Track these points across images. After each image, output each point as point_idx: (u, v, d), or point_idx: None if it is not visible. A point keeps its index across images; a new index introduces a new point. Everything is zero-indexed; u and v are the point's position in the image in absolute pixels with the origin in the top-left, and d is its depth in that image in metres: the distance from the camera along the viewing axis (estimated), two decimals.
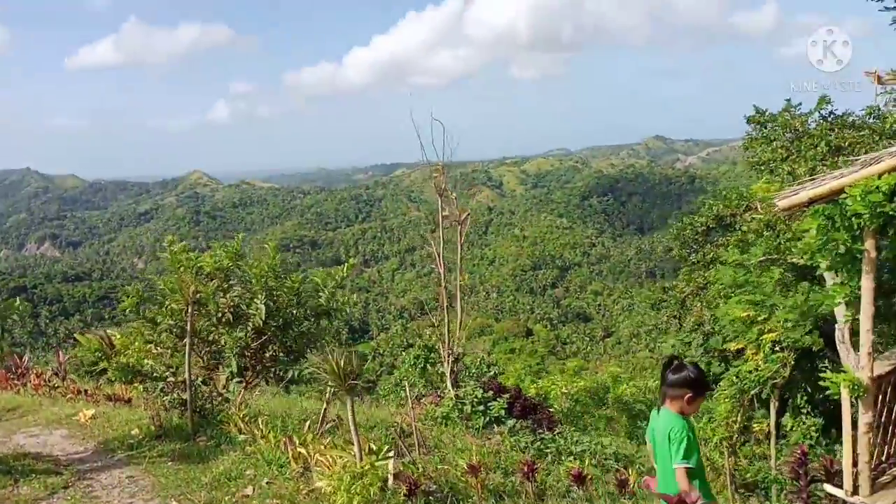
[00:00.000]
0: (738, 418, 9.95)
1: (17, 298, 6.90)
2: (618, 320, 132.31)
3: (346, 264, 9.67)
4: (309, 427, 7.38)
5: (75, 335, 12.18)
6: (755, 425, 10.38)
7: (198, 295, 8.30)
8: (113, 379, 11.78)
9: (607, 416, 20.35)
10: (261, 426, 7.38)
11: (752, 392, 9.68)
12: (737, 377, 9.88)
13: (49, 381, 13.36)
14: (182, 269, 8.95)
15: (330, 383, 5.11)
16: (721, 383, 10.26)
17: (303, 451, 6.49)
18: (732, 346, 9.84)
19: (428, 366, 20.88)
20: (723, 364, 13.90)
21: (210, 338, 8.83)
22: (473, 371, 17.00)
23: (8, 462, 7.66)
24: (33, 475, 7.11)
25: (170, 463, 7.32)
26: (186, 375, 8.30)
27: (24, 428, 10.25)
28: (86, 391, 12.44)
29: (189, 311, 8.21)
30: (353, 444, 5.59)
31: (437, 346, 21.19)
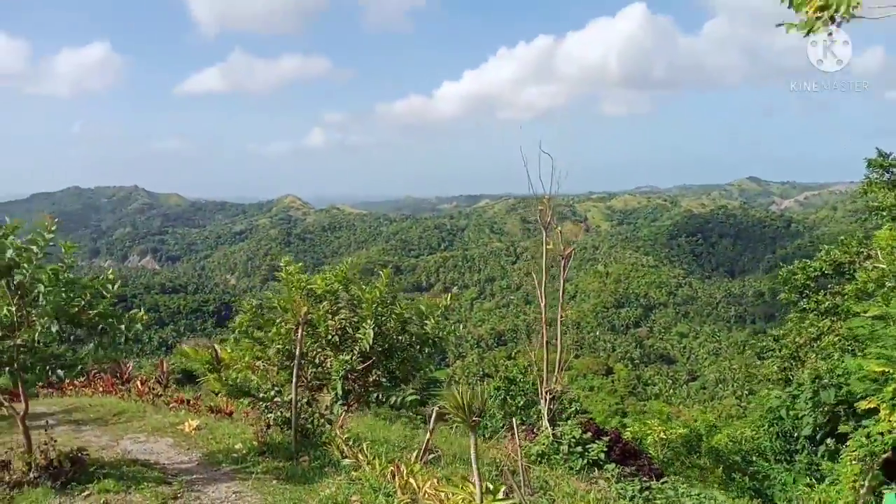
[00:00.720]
0: (867, 483, 9.09)
1: (141, 309, 7.13)
2: (703, 364, 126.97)
3: (449, 294, 9.57)
4: (416, 456, 7.22)
5: (183, 346, 12.59)
6: (885, 490, 9.46)
7: (309, 316, 8.35)
8: (215, 391, 12.09)
9: (700, 466, 19.30)
10: (365, 451, 7.29)
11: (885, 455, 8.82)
12: (867, 437, 9.07)
13: (153, 389, 13.84)
14: (294, 289, 9.07)
15: (454, 418, 4.93)
16: (848, 443, 9.44)
17: (411, 481, 6.32)
18: (863, 405, 9.04)
19: (508, 398, 20.49)
20: (832, 420, 12.91)
21: (316, 359, 8.86)
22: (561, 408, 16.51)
23: (119, 467, 7.87)
24: (144, 483, 7.24)
25: (275, 482, 7.32)
26: (293, 395, 8.33)
27: (130, 433, 10.58)
28: (188, 401, 12.78)
29: (300, 331, 8.27)
30: (467, 480, 5.37)
31: (517, 379, 20.76)
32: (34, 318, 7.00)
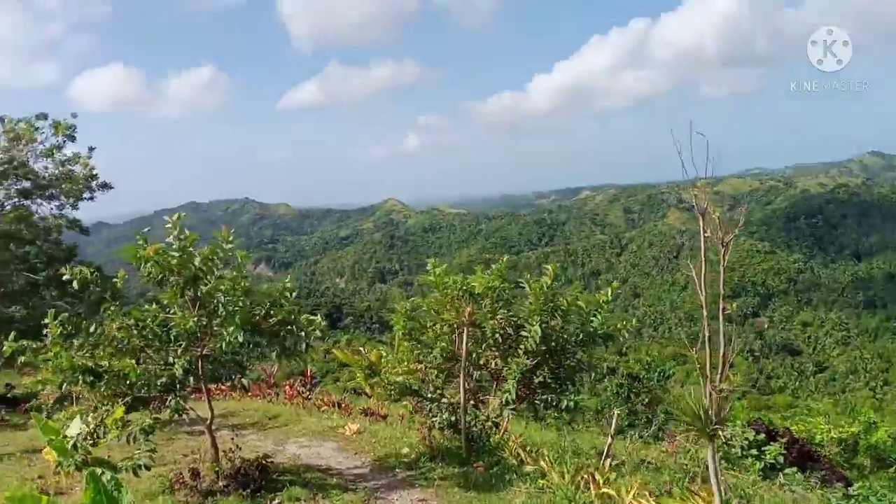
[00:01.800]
0: None
1: (318, 315, 7.08)
2: (831, 354, 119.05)
3: (609, 288, 9.06)
4: (603, 463, 6.79)
5: (333, 350, 12.70)
6: None
7: (472, 317, 8.10)
8: (370, 394, 12.12)
9: (858, 465, 17.79)
10: (548, 458, 6.93)
11: None
12: None
13: (302, 393, 14.10)
14: (447, 291, 8.84)
15: (688, 427, 4.48)
16: None
17: (610, 491, 5.91)
18: None
19: (632, 395, 19.62)
20: None
21: (480, 361, 8.60)
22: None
23: (298, 473, 7.91)
24: (328, 490, 7.21)
25: (456, 489, 7.09)
26: (461, 398, 8.11)
27: (292, 438, 10.73)
28: (338, 404, 12.93)
29: (464, 332, 8.03)
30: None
31: (640, 375, 19.84)
32: (217, 328, 7.11)
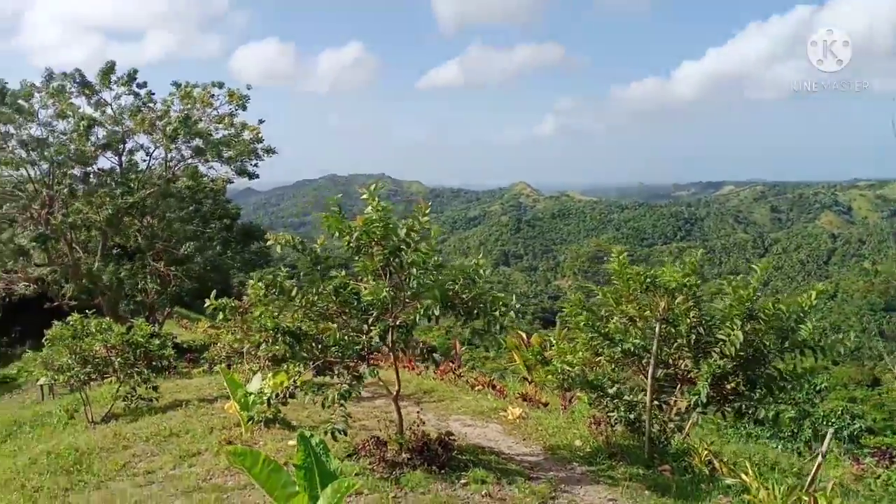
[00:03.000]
0: None
1: (513, 297, 6.89)
2: None
3: (812, 291, 8.20)
4: (815, 485, 6.15)
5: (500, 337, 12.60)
6: None
7: (666, 312, 7.62)
8: (531, 380, 11.92)
9: None
10: (752, 472, 6.38)
11: None
12: None
13: (454, 369, 14.15)
14: (630, 282, 8.38)
15: None
16: None
17: None
18: None
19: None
20: None
21: (669, 359, 8.11)
22: None
23: (476, 454, 7.82)
24: (511, 476, 7.05)
25: (647, 492, 6.71)
26: (647, 396, 7.69)
27: (453, 415, 10.72)
28: (493, 385, 12.84)
29: (657, 328, 7.57)
30: None
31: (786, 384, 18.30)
32: (408, 300, 7.12)
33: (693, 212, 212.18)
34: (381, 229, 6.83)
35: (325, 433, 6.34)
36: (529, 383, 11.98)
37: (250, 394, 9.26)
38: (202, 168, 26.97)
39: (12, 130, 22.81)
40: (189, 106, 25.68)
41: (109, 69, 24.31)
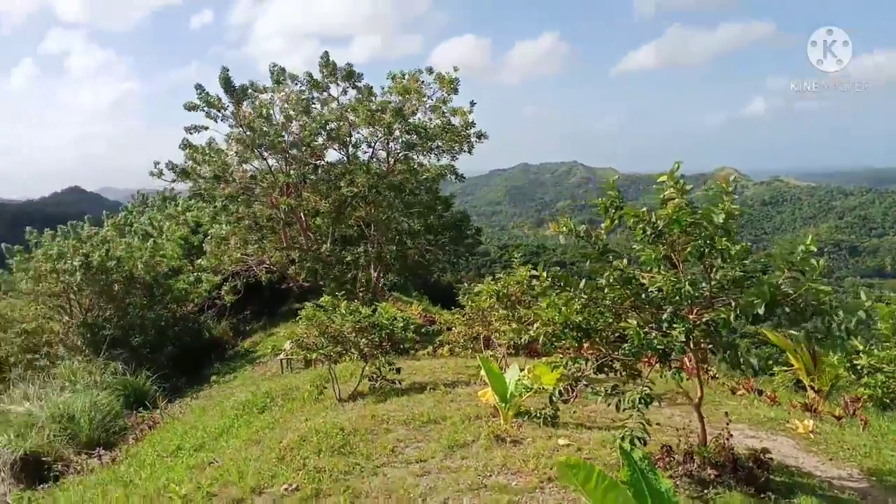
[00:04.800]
0: None
1: (869, 297, 5.64)
2: None
3: None
4: None
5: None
6: None
7: None
8: (816, 388, 10.41)
9: None
10: None
11: None
12: None
13: (708, 371, 12.85)
14: None
15: None
16: None
17: None
18: None
19: None
20: None
21: None
22: None
23: (790, 476, 6.71)
24: None
25: None
26: None
27: (730, 424, 9.55)
28: (759, 390, 11.43)
29: None
30: None
31: None
32: (714, 295, 6.20)
33: None
34: (690, 215, 5.98)
35: (622, 440, 5.65)
36: (816, 392, 10.41)
37: (518, 385, 8.87)
38: (418, 158, 27.59)
39: (253, 127, 24.90)
40: (402, 98, 26.34)
41: (333, 67, 25.72)
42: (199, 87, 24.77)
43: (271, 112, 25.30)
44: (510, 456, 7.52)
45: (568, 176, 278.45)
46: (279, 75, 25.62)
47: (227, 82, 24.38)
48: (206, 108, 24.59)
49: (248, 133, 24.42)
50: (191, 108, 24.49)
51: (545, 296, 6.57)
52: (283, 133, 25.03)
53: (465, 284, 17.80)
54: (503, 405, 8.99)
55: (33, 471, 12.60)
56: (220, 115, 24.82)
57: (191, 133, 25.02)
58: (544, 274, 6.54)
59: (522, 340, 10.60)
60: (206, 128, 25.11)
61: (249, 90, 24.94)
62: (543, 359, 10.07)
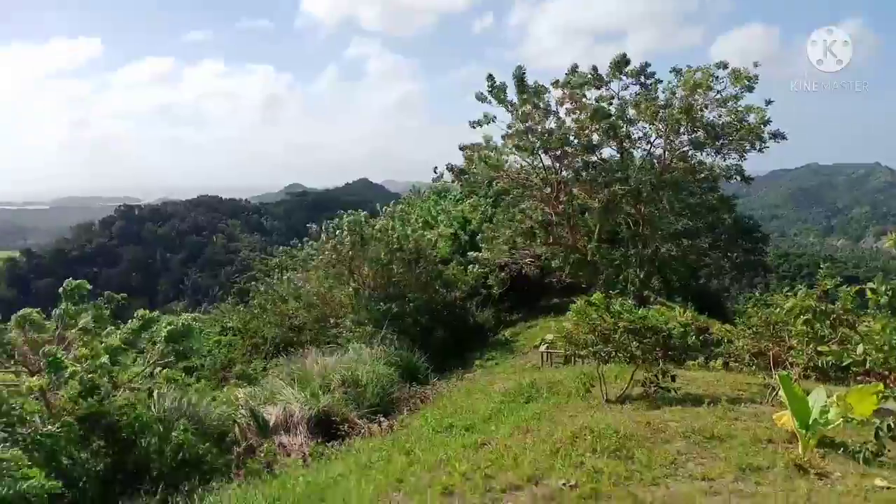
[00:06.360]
0: None
1: None
2: None
3: None
4: None
5: None
6: None
7: None
8: None
9: None
10: None
11: None
12: None
13: None
14: None
15: None
16: None
17: None
18: None
19: None
20: None
21: None
22: None
23: None
24: None
25: None
26: None
27: None
28: None
29: None
30: None
31: None
32: None
33: None
34: None
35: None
36: None
37: (823, 412, 7.80)
38: (702, 157, 26.03)
39: (532, 124, 25.44)
40: (689, 94, 24.93)
41: (622, 61, 25.17)
42: (490, 77, 25.98)
43: (557, 110, 25.69)
44: (815, 490, 6.61)
45: (867, 179, 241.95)
46: (570, 75, 25.77)
47: (520, 80, 25.27)
48: (491, 101, 25.80)
49: (527, 131, 25.07)
50: (481, 99, 25.89)
51: (881, 315, 5.61)
52: (564, 132, 25.28)
53: (755, 292, 16.33)
54: (804, 432, 7.95)
55: (325, 428, 14.22)
56: (506, 108, 25.85)
57: (473, 127, 26.40)
58: (882, 288, 5.59)
59: (843, 364, 9.25)
60: (492, 120, 26.18)
61: (539, 89, 25.50)
62: (857, 386, 8.71)
